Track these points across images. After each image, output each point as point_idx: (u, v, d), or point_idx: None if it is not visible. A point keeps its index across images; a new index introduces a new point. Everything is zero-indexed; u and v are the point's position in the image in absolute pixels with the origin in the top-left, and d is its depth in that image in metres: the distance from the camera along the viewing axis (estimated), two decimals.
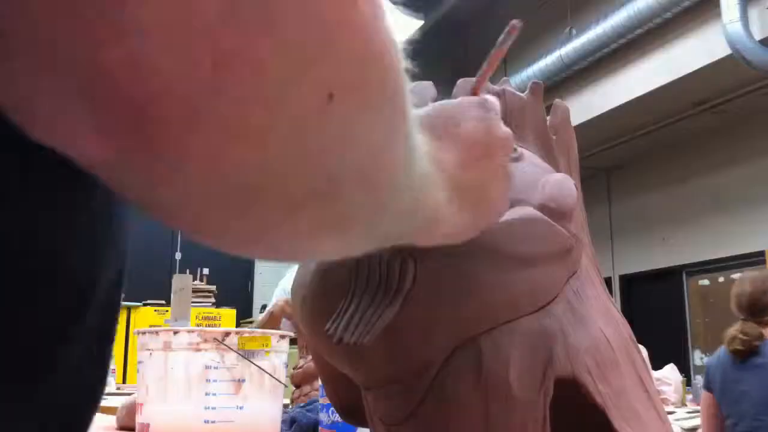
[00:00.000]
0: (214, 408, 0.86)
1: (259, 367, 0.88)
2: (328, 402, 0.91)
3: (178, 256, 6.48)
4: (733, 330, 2.30)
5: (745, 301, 2.31)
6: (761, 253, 5.73)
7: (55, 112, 0.18)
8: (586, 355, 0.51)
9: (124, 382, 4.26)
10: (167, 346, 0.89)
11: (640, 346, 0.62)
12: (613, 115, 5.87)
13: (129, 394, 1.66)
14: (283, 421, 1.12)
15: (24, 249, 0.24)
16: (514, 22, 0.42)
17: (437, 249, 0.43)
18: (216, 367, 0.87)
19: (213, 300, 5.18)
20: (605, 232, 7.13)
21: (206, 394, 0.87)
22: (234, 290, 6.54)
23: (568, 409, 0.53)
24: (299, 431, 1.17)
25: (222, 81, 0.18)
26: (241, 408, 0.88)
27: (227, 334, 0.89)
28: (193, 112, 0.18)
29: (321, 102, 0.20)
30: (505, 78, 0.65)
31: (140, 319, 5.00)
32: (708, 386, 2.41)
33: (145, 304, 5.08)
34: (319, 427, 1.10)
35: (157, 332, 0.91)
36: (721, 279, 6.31)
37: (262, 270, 7.10)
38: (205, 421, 0.86)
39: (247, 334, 0.91)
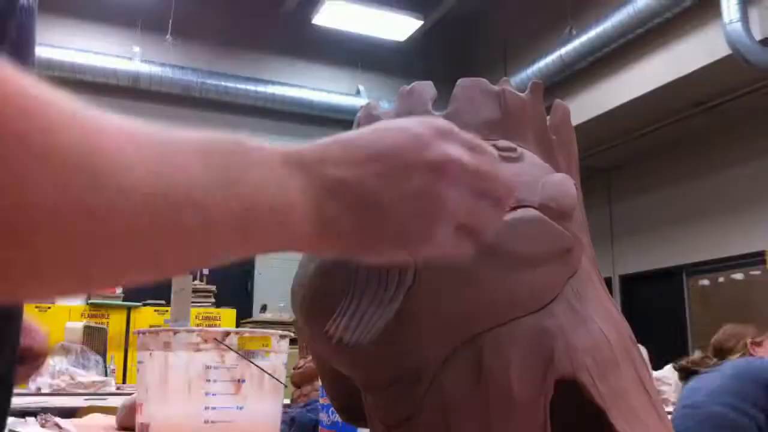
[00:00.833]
0: (214, 408, 0.86)
1: (259, 367, 0.88)
2: (328, 402, 0.91)
3: None
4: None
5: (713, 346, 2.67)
6: (761, 253, 5.73)
7: None
8: (586, 354, 0.51)
9: (124, 382, 4.26)
10: (167, 346, 0.89)
11: (640, 346, 0.61)
12: (612, 115, 5.87)
13: (129, 394, 1.66)
14: (283, 421, 1.12)
15: None
16: None
17: None
18: (216, 367, 0.87)
19: (213, 300, 5.17)
20: (605, 232, 7.13)
21: (206, 394, 0.86)
22: (234, 290, 6.53)
23: (568, 409, 0.53)
24: (299, 431, 1.17)
25: None
26: (241, 408, 0.87)
27: (227, 334, 0.89)
28: None
29: None
30: (505, 78, 0.65)
31: (140, 319, 4.99)
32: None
33: (145, 304, 5.07)
34: (319, 427, 1.10)
35: (157, 332, 0.91)
36: (721, 279, 6.30)
37: (262, 270, 7.10)
38: (205, 421, 0.86)
39: (247, 335, 0.90)
